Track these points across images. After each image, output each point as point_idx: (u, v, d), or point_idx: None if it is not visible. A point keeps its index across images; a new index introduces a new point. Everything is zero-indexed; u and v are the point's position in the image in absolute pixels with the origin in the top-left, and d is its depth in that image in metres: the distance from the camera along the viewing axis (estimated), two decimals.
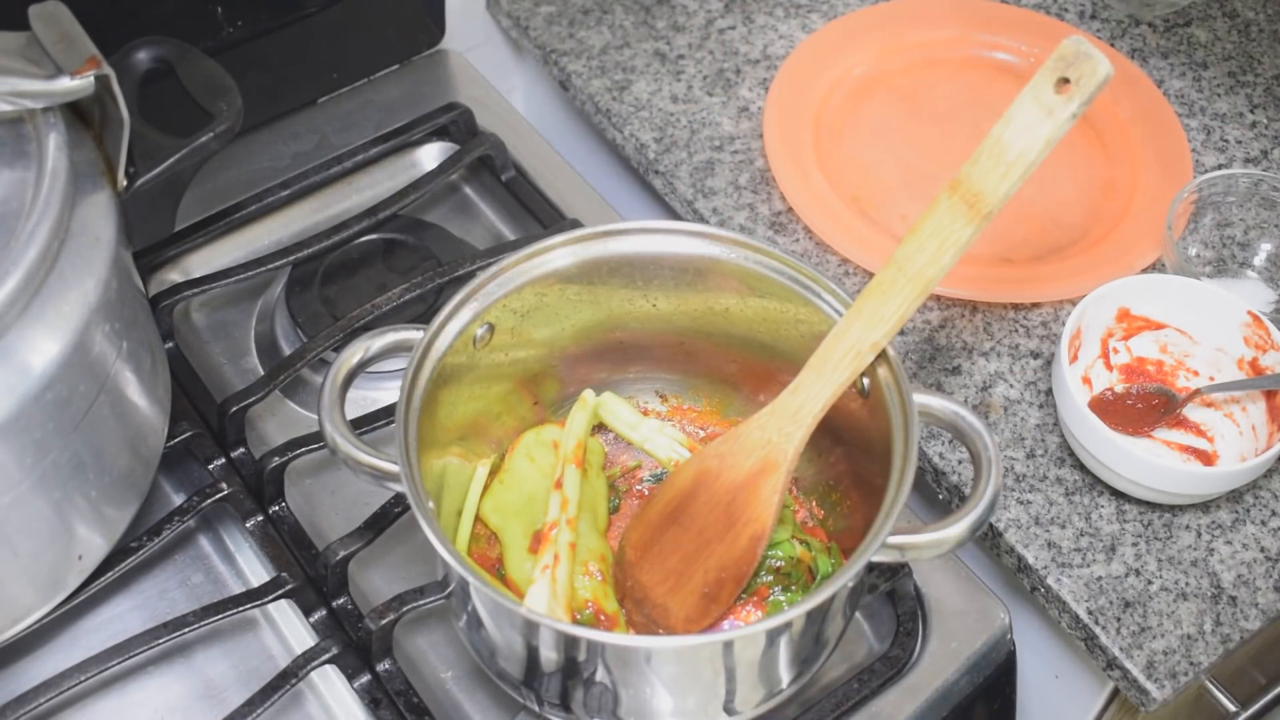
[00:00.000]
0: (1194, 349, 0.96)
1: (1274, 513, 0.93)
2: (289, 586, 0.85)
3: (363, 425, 0.92)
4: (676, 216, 1.10)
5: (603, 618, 0.79)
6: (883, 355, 0.76)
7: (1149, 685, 0.85)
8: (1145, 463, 0.87)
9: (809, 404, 0.77)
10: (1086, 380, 0.95)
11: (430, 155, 1.13)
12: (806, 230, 1.06)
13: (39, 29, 0.78)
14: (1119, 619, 0.88)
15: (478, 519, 0.84)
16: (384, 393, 0.97)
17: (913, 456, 0.73)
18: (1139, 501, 0.92)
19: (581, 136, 1.24)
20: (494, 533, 0.83)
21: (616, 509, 0.88)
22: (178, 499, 0.92)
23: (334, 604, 0.86)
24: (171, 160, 0.86)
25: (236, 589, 0.89)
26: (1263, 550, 0.91)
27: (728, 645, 0.71)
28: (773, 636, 0.73)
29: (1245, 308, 0.93)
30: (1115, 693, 0.96)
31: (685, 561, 0.79)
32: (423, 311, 0.98)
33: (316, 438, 0.90)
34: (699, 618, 0.79)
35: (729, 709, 0.75)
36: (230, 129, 0.88)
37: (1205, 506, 0.93)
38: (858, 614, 0.88)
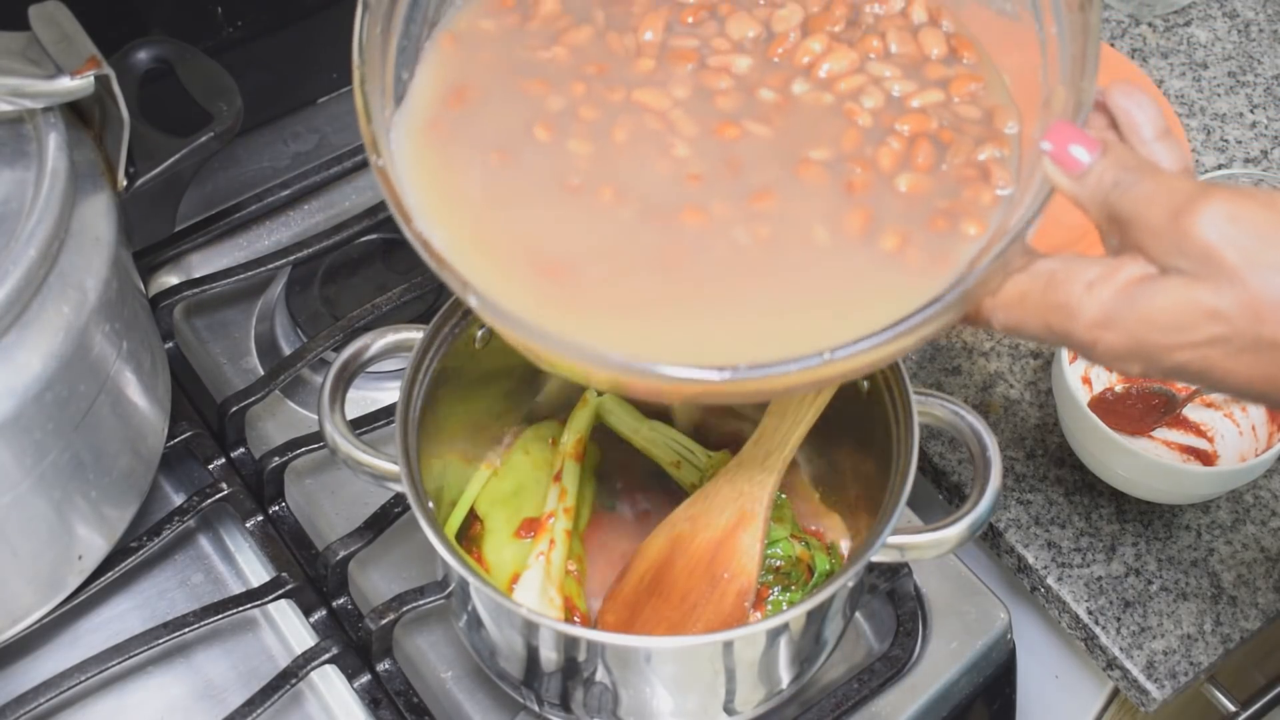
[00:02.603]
0: None
1: (1274, 513, 0.93)
2: (289, 586, 0.85)
3: (363, 425, 0.92)
4: None
5: (576, 617, 0.79)
6: None
7: (1149, 685, 0.85)
8: (1145, 463, 0.87)
9: (776, 449, 0.77)
10: (1086, 380, 0.95)
11: None
12: None
13: (39, 29, 0.78)
14: (1119, 619, 0.88)
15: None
16: (384, 393, 0.97)
17: (913, 456, 0.73)
18: (1139, 501, 0.92)
19: None
20: (479, 518, 0.84)
21: (613, 509, 0.88)
22: (178, 499, 0.92)
23: (334, 604, 0.86)
24: (171, 160, 0.86)
25: (236, 589, 0.89)
26: (1263, 550, 0.91)
27: (728, 645, 0.71)
28: (773, 636, 0.73)
29: None
30: (1115, 693, 0.96)
31: (672, 631, 0.77)
32: (423, 311, 0.98)
33: (316, 438, 0.90)
34: None
35: (729, 709, 0.75)
36: (230, 129, 0.88)
37: (1205, 506, 0.93)
38: (858, 614, 0.88)
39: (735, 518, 0.77)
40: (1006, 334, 0.58)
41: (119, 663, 0.81)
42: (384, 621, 0.81)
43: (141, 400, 0.83)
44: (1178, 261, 0.52)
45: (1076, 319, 0.54)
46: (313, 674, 0.83)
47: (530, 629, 0.71)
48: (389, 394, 0.97)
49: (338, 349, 0.92)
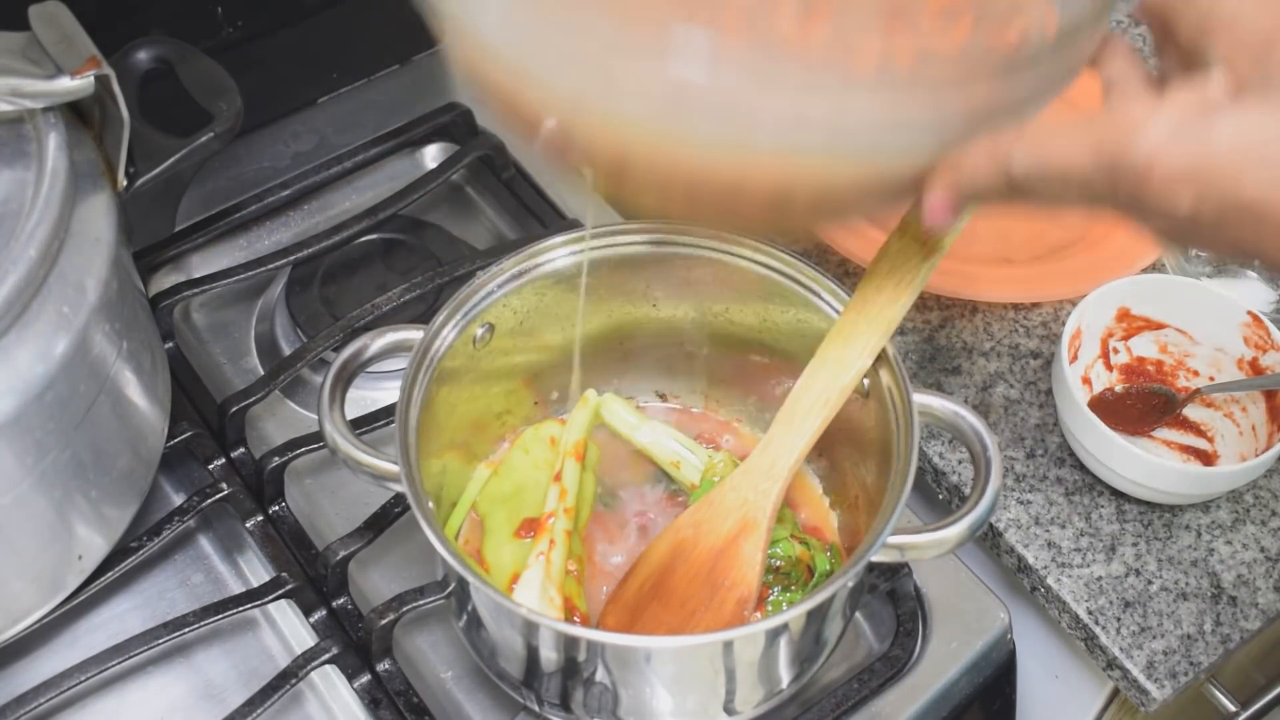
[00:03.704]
0: (1194, 349, 0.96)
1: (1274, 513, 0.93)
2: (289, 586, 0.85)
3: (363, 425, 0.92)
4: None
5: (576, 617, 0.80)
6: (883, 355, 0.76)
7: (1149, 685, 0.85)
8: (1145, 463, 0.87)
9: (782, 458, 0.76)
10: (1086, 380, 0.95)
11: (430, 155, 1.13)
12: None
13: (39, 29, 0.78)
14: (1119, 619, 0.88)
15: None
16: (384, 393, 0.97)
17: (913, 456, 0.73)
18: (1139, 501, 0.92)
19: None
20: (479, 518, 0.84)
21: (614, 509, 0.88)
22: (178, 499, 0.92)
23: (334, 604, 0.86)
24: (171, 160, 0.86)
25: (236, 589, 0.89)
26: (1263, 550, 0.91)
27: (728, 645, 0.71)
28: (772, 636, 0.73)
29: (1245, 308, 0.93)
30: (1115, 693, 0.96)
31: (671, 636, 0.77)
32: (423, 311, 0.98)
33: (316, 438, 0.90)
34: None
35: (729, 709, 0.75)
36: (230, 129, 0.88)
37: (1205, 506, 0.93)
38: (858, 614, 0.88)
39: (738, 526, 0.77)
40: (1028, 175, 0.53)
41: (119, 663, 0.81)
42: (384, 621, 0.81)
43: (141, 400, 0.83)
44: (1267, 87, 0.48)
45: (1138, 134, 0.49)
46: (313, 674, 0.83)
47: (530, 629, 0.71)
48: (389, 394, 0.97)
49: (338, 349, 0.92)
